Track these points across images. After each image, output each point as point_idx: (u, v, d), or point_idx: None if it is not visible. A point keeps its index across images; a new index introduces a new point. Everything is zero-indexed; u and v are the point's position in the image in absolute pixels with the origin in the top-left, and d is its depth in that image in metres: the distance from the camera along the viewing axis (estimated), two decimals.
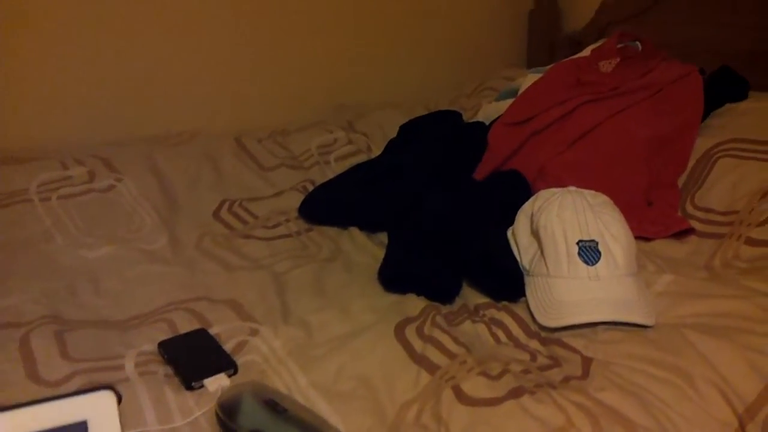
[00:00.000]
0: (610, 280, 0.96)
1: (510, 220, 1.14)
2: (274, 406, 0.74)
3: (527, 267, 1.04)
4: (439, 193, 1.22)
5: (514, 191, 1.21)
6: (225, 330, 0.95)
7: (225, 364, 0.86)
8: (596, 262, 0.97)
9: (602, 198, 1.06)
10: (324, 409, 0.79)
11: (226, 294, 1.04)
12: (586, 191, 1.07)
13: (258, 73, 1.78)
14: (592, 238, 0.99)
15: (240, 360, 0.88)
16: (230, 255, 1.17)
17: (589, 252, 0.98)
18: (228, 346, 0.91)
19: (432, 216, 1.15)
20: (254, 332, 0.94)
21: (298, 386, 0.83)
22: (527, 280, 1.03)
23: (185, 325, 0.96)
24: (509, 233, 1.12)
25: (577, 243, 0.99)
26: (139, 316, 0.99)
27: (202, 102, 1.72)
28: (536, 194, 1.10)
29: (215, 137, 1.57)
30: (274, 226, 1.29)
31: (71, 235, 1.19)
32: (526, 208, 1.10)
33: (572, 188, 1.07)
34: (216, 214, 1.34)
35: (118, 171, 1.38)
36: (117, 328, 0.95)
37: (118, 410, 0.57)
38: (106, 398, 0.57)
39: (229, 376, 0.85)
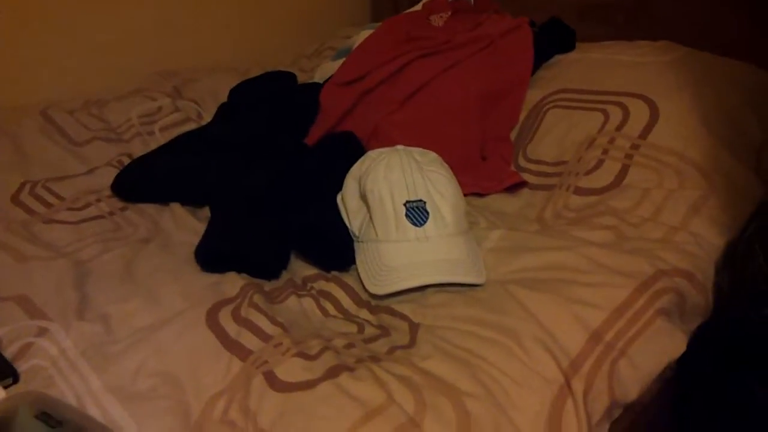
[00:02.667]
0: (438, 240, 0.92)
1: (341, 187, 1.07)
2: (47, 419, 0.63)
3: (357, 233, 0.98)
4: (262, 163, 1.13)
5: (347, 154, 1.14)
6: (8, 332, 0.81)
7: (3, 372, 0.74)
8: (424, 222, 0.93)
9: (431, 155, 1.02)
10: (119, 414, 0.69)
11: (16, 289, 0.90)
12: (414, 149, 1.02)
13: (73, 39, 1.57)
14: (420, 198, 0.94)
15: (23, 366, 0.76)
16: (25, 244, 1.02)
17: (417, 212, 0.93)
18: (10, 351, 0.78)
19: (252, 188, 1.05)
20: (43, 332, 0.81)
21: (90, 391, 0.72)
22: (357, 246, 0.97)
23: None
24: (339, 199, 1.05)
25: (405, 204, 0.93)
26: None
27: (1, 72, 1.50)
28: (364, 155, 1.03)
29: (16, 110, 1.38)
30: (84, 207, 1.14)
31: None
32: (354, 170, 1.03)
33: (400, 147, 1.01)
34: (15, 198, 1.16)
35: None
36: None
37: None
38: None
39: (7, 387, 0.72)
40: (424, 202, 0.94)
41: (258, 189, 1.05)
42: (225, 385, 0.72)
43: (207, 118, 1.48)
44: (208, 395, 0.71)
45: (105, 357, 0.77)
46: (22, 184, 1.20)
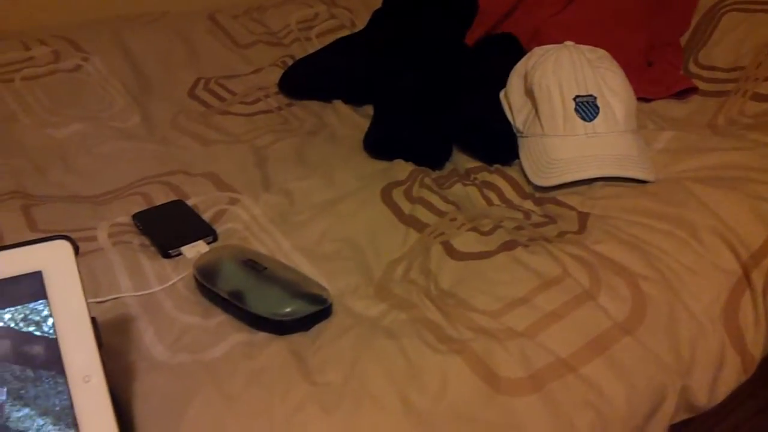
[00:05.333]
0: (608, 136, 0.91)
1: (502, 85, 1.07)
2: (254, 265, 0.70)
3: (520, 128, 0.99)
4: (423, 63, 1.14)
5: (507, 55, 1.14)
6: (203, 201, 0.90)
7: (203, 231, 0.82)
8: (594, 117, 0.91)
9: (601, 53, 0.99)
10: (309, 270, 0.75)
11: (204, 167, 0.99)
12: (583, 46, 1.00)
13: None
14: (590, 93, 0.93)
15: (220, 228, 0.84)
16: (207, 130, 1.11)
17: (587, 107, 0.92)
18: (206, 216, 0.86)
19: (415, 84, 1.08)
20: (234, 201, 0.89)
21: (281, 250, 0.79)
22: (520, 141, 0.98)
23: (161, 197, 0.90)
24: (501, 95, 1.05)
25: (574, 99, 0.92)
26: (112, 191, 0.94)
27: None
28: (530, 52, 1.02)
29: (187, 15, 1.47)
30: (254, 102, 1.22)
31: (37, 115, 1.11)
32: (519, 67, 1.03)
33: (569, 43, 1.00)
34: (191, 93, 1.26)
35: (85, 50, 1.29)
36: (88, 202, 0.90)
37: (76, 261, 0.52)
38: (62, 248, 0.52)
39: (208, 243, 0.81)
40: (595, 98, 0.92)
41: (421, 85, 1.07)
42: (403, 252, 0.77)
43: (359, 25, 1.52)
44: (388, 260, 0.76)
45: (291, 224, 0.83)
46: (197, 81, 1.29)
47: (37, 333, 0.50)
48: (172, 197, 0.90)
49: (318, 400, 0.56)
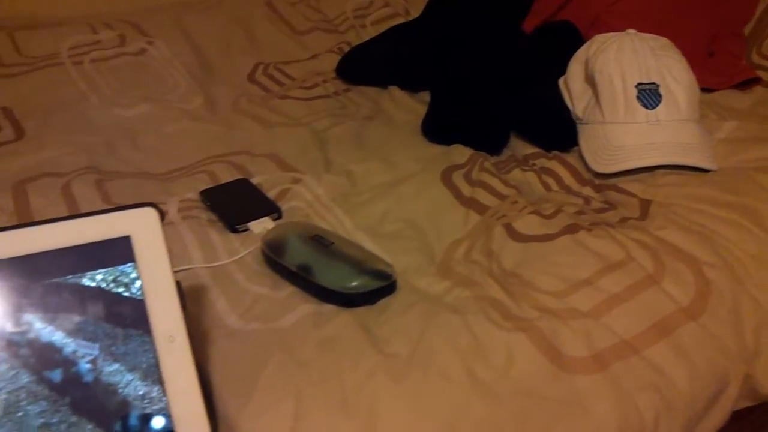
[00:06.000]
0: (670, 124, 0.90)
1: (561, 73, 1.07)
2: (321, 240, 0.72)
3: (580, 115, 0.99)
4: (481, 50, 1.15)
5: (565, 42, 1.13)
6: (267, 180, 0.92)
7: (269, 208, 0.84)
8: (656, 105, 0.91)
9: (664, 41, 0.98)
10: (371, 248, 0.77)
11: (266, 148, 1.01)
12: (646, 35, 0.99)
13: None
14: (653, 81, 0.92)
15: (284, 206, 0.86)
16: (268, 113, 1.13)
17: (649, 95, 0.91)
18: (271, 194, 0.89)
19: (473, 70, 1.08)
20: (297, 181, 0.91)
21: (343, 228, 0.81)
22: (580, 128, 0.98)
23: (226, 176, 0.93)
24: (561, 82, 1.05)
25: (636, 86, 0.92)
26: (178, 168, 0.97)
27: None
28: (591, 39, 1.02)
29: (244, 1, 1.50)
30: (312, 87, 1.24)
31: (106, 96, 1.16)
32: (580, 54, 1.03)
33: (631, 31, 0.99)
34: (251, 77, 1.28)
35: (149, 35, 1.33)
36: (157, 179, 0.94)
37: (162, 227, 0.55)
38: (149, 214, 0.55)
39: (274, 220, 0.83)
40: (657, 86, 0.92)
41: (479, 72, 1.07)
42: (465, 233, 0.78)
43: (414, 13, 1.53)
44: (450, 240, 0.77)
45: (353, 204, 0.85)
46: (256, 65, 1.32)
47: (126, 294, 0.53)
48: (237, 176, 0.93)
49: (387, 369, 0.58)
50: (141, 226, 0.55)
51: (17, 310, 0.50)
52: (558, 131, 0.98)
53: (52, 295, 0.51)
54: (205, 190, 0.88)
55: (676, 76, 0.93)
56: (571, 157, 0.95)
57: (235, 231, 0.81)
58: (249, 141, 1.04)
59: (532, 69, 1.08)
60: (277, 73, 1.29)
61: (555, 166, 0.93)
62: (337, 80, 1.26)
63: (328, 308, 0.67)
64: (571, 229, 0.75)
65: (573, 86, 1.01)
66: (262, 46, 1.39)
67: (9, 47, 1.26)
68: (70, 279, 0.52)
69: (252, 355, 0.60)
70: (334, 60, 1.32)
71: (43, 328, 0.50)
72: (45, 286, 0.51)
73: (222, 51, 1.35)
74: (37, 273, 0.51)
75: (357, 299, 0.67)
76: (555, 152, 0.97)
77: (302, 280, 0.69)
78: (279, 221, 0.83)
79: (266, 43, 1.40)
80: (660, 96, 0.91)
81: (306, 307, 0.67)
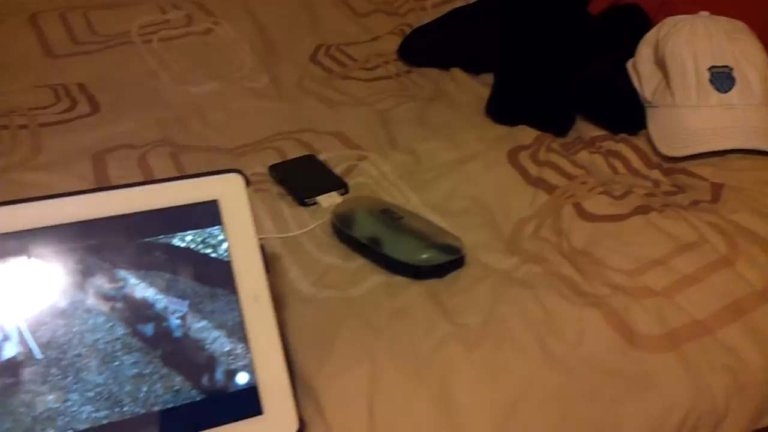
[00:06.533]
0: (744, 108, 0.89)
1: (628, 55, 1.05)
2: (390, 214, 0.73)
3: (649, 98, 0.97)
4: (547, 32, 1.14)
5: (633, 25, 1.12)
6: (333, 157, 0.94)
7: (336, 184, 0.86)
8: (729, 89, 0.89)
9: (739, 24, 0.96)
10: (439, 224, 0.78)
11: (331, 126, 1.03)
12: (720, 17, 0.97)
13: None
14: (726, 64, 0.90)
15: (350, 182, 0.87)
16: (332, 92, 1.15)
17: (722, 79, 0.90)
18: (337, 170, 0.90)
19: (538, 52, 1.08)
20: (362, 158, 0.92)
21: (410, 204, 0.82)
22: (649, 111, 0.97)
23: (293, 152, 0.95)
24: (629, 65, 1.04)
25: (709, 69, 0.90)
26: (247, 144, 1.00)
27: None
28: (662, 21, 1.00)
29: None
30: (373, 68, 1.25)
31: (175, 73, 1.19)
32: (650, 37, 1.01)
33: (704, 13, 0.97)
34: (313, 58, 1.30)
35: (215, 15, 1.36)
36: (228, 153, 0.96)
37: (247, 192, 0.57)
38: (235, 180, 0.57)
39: (341, 195, 0.85)
40: (731, 69, 0.90)
41: (545, 53, 1.07)
42: (532, 211, 0.78)
43: None
44: (517, 218, 0.78)
45: (419, 181, 0.86)
46: (318, 47, 1.34)
47: (213, 255, 0.55)
48: (304, 152, 0.95)
49: (459, 339, 0.59)
50: (228, 190, 0.57)
51: (114, 267, 0.53)
52: (626, 114, 0.97)
53: (145, 254, 0.54)
54: (274, 165, 0.90)
55: (751, 59, 0.91)
56: (638, 140, 0.94)
57: (303, 204, 0.83)
58: (314, 119, 1.06)
59: (599, 52, 1.07)
60: (340, 54, 1.31)
61: (622, 148, 0.93)
62: (398, 62, 1.27)
63: (399, 279, 0.68)
64: (643, 209, 0.74)
65: (642, 69, 1.00)
66: (324, 27, 1.40)
67: (83, 26, 1.30)
68: (162, 239, 0.54)
69: (326, 320, 0.62)
70: (395, 42, 1.32)
71: (137, 284, 0.53)
72: (138, 245, 0.54)
73: (285, 32, 1.37)
74: (132, 232, 0.54)
75: (427, 272, 0.68)
76: (622, 135, 0.96)
77: (372, 252, 0.71)
78: (346, 196, 0.85)
79: (328, 25, 1.41)
80: (734, 79, 0.89)
81: (377, 277, 0.68)
